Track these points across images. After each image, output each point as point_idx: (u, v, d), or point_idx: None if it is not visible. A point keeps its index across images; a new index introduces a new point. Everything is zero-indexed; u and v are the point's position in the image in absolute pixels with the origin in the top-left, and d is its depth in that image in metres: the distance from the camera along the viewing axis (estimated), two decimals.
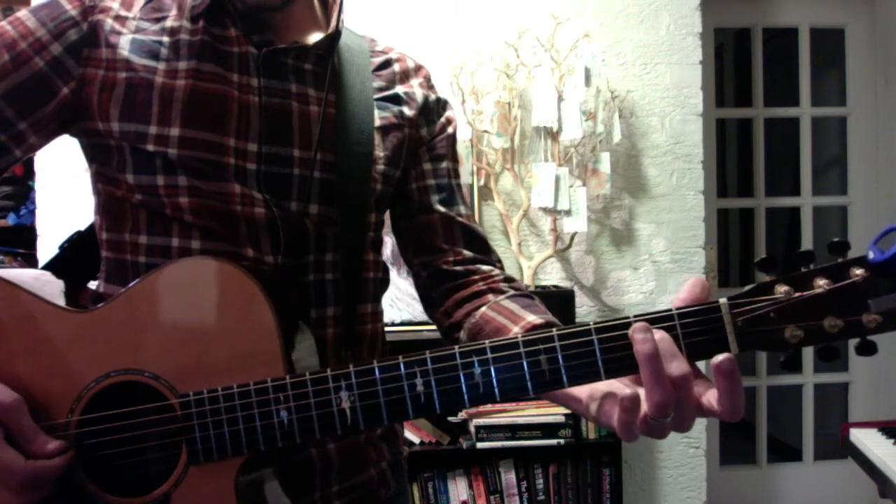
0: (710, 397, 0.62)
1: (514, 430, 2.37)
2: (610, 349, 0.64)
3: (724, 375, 0.59)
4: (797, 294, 0.61)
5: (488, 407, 2.38)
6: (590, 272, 2.73)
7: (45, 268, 0.87)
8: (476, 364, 0.66)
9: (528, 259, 2.61)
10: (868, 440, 1.92)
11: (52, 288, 0.78)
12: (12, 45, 0.77)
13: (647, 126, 2.74)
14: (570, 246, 2.65)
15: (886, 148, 3.07)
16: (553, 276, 2.71)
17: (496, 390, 0.66)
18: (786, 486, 3.15)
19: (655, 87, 2.73)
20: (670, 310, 0.63)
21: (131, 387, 0.72)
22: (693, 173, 2.76)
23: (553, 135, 2.60)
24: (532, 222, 2.71)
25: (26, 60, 0.77)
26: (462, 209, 0.94)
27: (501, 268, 0.94)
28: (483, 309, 0.86)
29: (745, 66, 3.27)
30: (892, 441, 1.89)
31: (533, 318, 0.81)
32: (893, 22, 3.00)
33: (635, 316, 0.64)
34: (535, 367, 0.65)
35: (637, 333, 0.61)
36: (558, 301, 2.37)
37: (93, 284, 0.87)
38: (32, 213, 2.73)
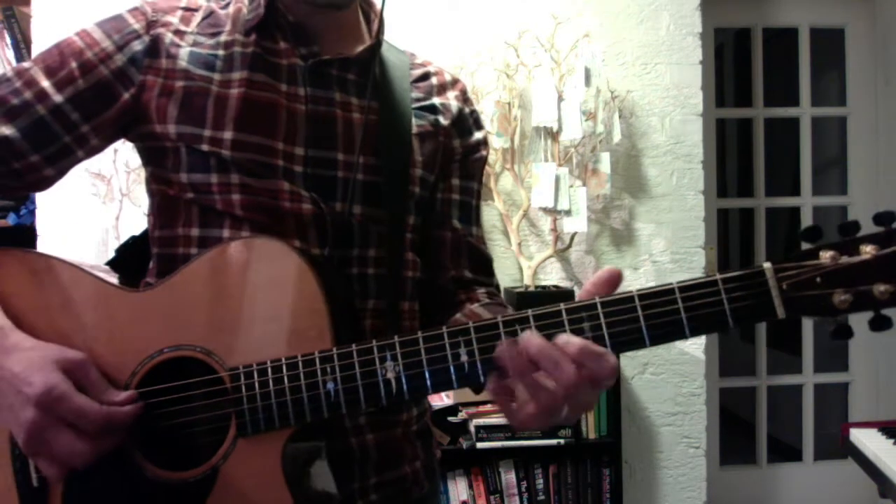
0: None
1: (513, 430, 2.37)
2: (653, 315, 0.64)
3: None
4: (844, 259, 0.60)
5: (488, 406, 2.38)
6: (590, 272, 2.73)
7: None
8: (519, 333, 0.67)
9: (528, 259, 2.61)
10: (868, 440, 1.92)
11: (109, 278, 0.83)
12: (80, 55, 0.83)
13: (647, 126, 2.74)
14: (570, 246, 2.65)
15: (886, 148, 3.07)
16: (553, 276, 2.71)
17: None
18: (786, 486, 3.14)
19: (655, 87, 2.73)
20: (714, 275, 0.63)
21: (184, 363, 0.75)
22: (693, 173, 2.76)
23: (553, 135, 2.60)
24: (532, 222, 2.70)
25: (92, 68, 0.83)
26: (474, 230, 0.99)
27: (498, 292, 0.98)
28: (456, 316, 0.90)
29: (745, 66, 3.27)
30: (892, 441, 1.89)
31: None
32: (893, 22, 3.00)
33: (679, 283, 0.64)
34: (578, 336, 0.65)
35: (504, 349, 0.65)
36: (558, 301, 2.36)
37: None
38: (32, 213, 2.72)
